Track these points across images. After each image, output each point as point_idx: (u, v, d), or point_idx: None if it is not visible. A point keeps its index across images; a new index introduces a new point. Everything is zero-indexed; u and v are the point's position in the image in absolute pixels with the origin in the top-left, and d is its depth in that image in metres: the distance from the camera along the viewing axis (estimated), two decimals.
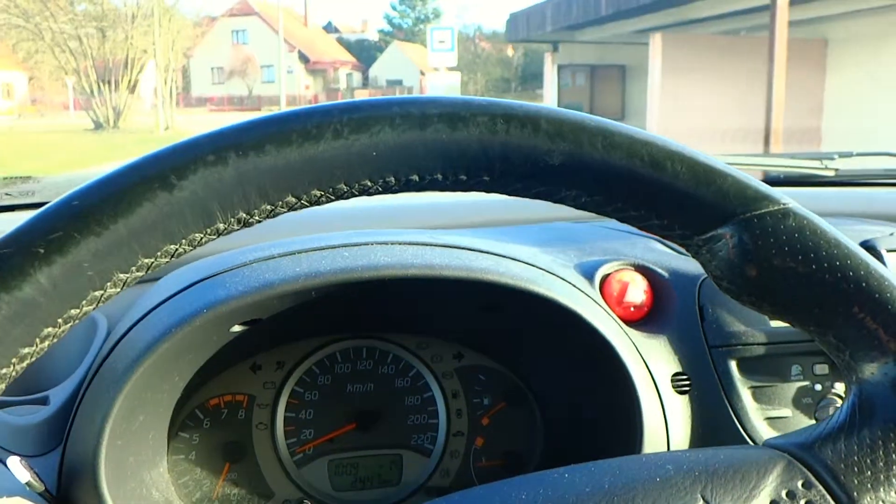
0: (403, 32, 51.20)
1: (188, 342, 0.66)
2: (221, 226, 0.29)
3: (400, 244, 0.74)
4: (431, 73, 12.38)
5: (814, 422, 0.79)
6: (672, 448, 0.75)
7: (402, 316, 0.83)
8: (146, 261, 0.28)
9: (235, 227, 0.30)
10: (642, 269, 0.83)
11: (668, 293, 0.81)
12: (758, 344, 0.79)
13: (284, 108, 33.00)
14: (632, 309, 0.80)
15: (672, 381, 0.77)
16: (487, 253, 0.75)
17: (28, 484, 0.58)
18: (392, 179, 0.31)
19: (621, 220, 0.35)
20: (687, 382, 0.77)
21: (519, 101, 0.32)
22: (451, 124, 0.30)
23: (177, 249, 0.29)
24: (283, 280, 0.66)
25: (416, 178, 0.31)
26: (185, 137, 0.29)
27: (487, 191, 0.33)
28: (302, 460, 0.82)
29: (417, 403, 0.85)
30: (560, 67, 16.45)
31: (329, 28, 51.09)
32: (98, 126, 21.54)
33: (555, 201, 0.34)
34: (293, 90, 37.88)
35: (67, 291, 0.27)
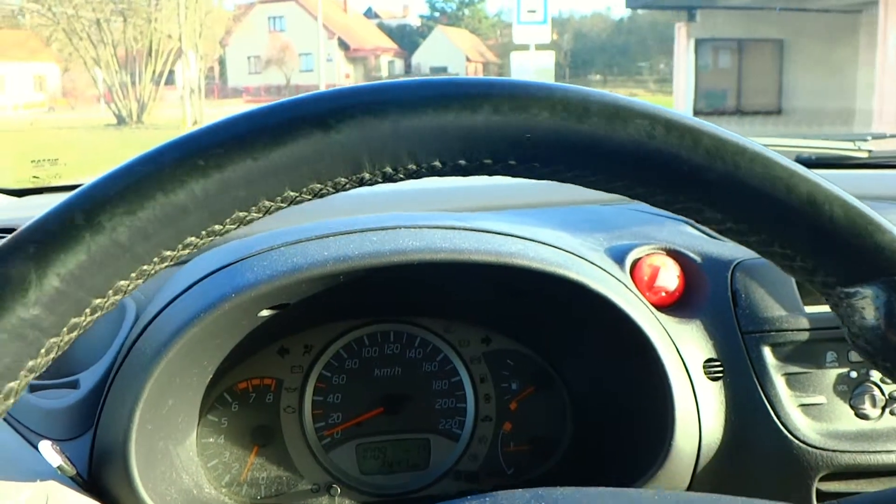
0: (447, 17, 51.34)
1: (217, 326, 0.72)
2: (367, 175, 0.31)
3: (428, 228, 0.79)
4: (517, 52, 10.97)
5: (849, 408, 0.82)
6: (704, 436, 0.78)
7: (430, 299, 0.88)
8: (292, 193, 0.31)
9: (379, 180, 0.32)
10: (674, 254, 0.86)
11: (701, 278, 0.85)
12: (793, 330, 0.82)
13: None
14: (663, 294, 0.84)
15: (704, 367, 0.80)
16: (516, 237, 0.80)
17: (60, 468, 0.63)
18: (537, 165, 0.32)
19: (760, 253, 0.35)
20: (720, 369, 0.81)
21: (679, 112, 0.33)
22: (609, 121, 0.31)
23: (321, 189, 0.31)
24: (312, 264, 0.71)
25: (562, 167, 0.32)
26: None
27: (630, 195, 0.34)
28: (330, 444, 0.87)
29: (445, 388, 0.90)
30: (698, 43, 12.82)
31: (369, 14, 51.43)
32: (121, 121, 20.91)
33: (697, 220, 0.34)
34: (333, 79, 38.12)
35: (216, 206, 0.29)
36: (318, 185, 0.31)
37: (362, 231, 0.78)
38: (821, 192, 0.32)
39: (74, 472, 0.65)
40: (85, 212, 0.29)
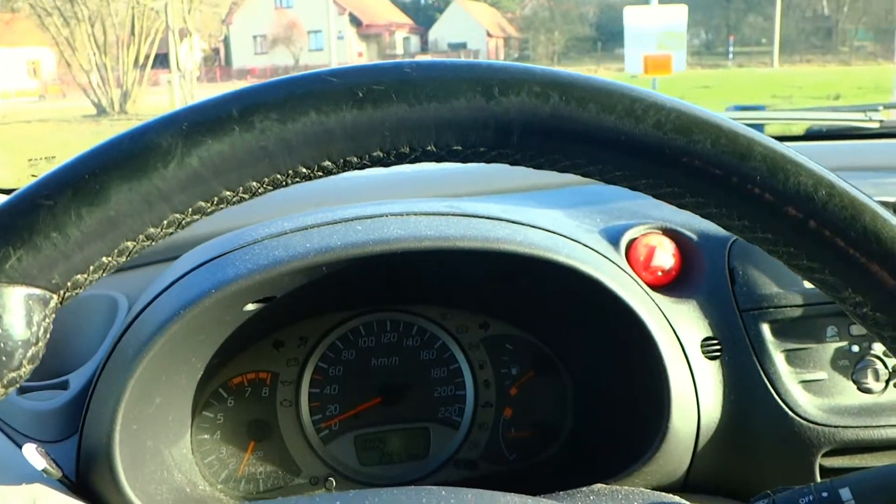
0: None
1: (200, 322, 0.76)
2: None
3: (414, 215, 0.84)
4: (634, 8, 9.21)
5: (851, 383, 0.87)
6: (703, 416, 0.83)
7: (425, 287, 0.93)
8: (433, 148, 0.34)
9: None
10: (670, 233, 0.92)
11: (697, 256, 0.90)
12: (791, 306, 0.87)
13: None
14: (659, 273, 0.89)
15: (702, 346, 0.85)
16: (506, 220, 0.85)
17: (45, 471, 0.67)
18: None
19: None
20: (717, 347, 0.86)
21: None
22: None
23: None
24: (293, 257, 0.75)
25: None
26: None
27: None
28: (328, 436, 0.93)
29: (444, 375, 0.96)
30: None
31: None
32: (101, 111, 19.51)
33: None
34: (344, 58, 37.92)
35: (359, 138, 0.33)
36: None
37: (347, 220, 0.82)
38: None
39: (60, 474, 0.69)
40: (241, 109, 0.32)
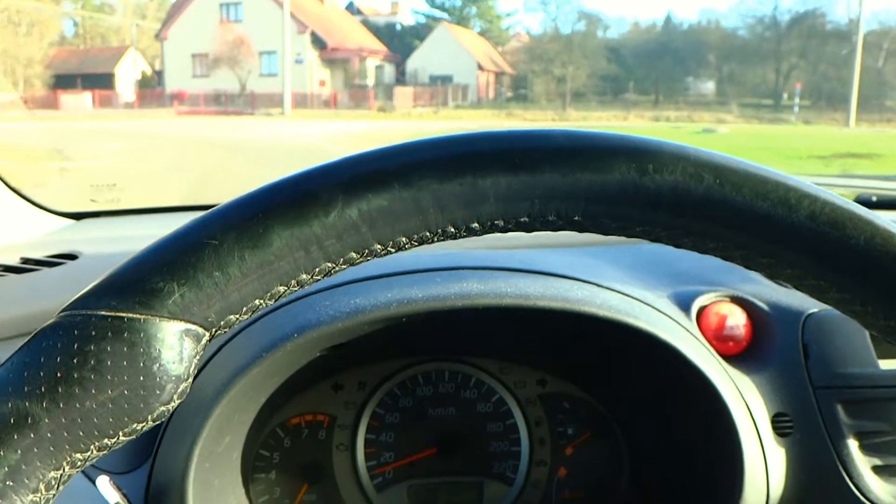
0: (449, 14, 51.91)
1: (276, 365, 0.91)
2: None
3: (492, 269, 1.00)
4: None
5: None
6: (772, 495, 0.97)
7: (487, 340, 1.09)
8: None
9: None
10: (741, 302, 1.07)
11: (769, 328, 1.05)
12: (868, 387, 1.01)
13: (289, 110, 32.83)
14: (730, 343, 1.04)
15: (773, 422, 0.99)
16: (582, 281, 1.00)
17: None
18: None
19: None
20: (789, 424, 0.99)
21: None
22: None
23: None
24: (375, 306, 0.90)
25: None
26: None
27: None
28: (381, 484, 1.09)
29: (499, 430, 1.12)
30: None
31: (351, 9, 51.52)
32: None
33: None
34: (302, 86, 37.85)
35: (511, 204, 0.40)
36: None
37: (425, 271, 0.98)
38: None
39: None
40: (400, 165, 0.39)
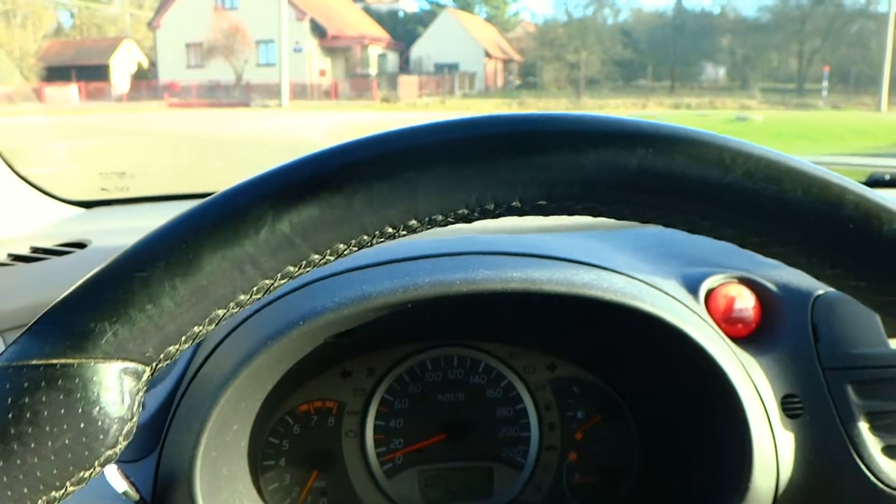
0: (453, 0, 51.82)
1: (281, 353, 0.95)
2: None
3: (499, 255, 1.04)
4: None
5: None
6: (782, 476, 1.01)
7: (496, 325, 1.14)
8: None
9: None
10: (749, 283, 1.12)
11: (778, 309, 1.10)
12: (878, 367, 1.05)
13: (287, 102, 32.78)
14: (739, 325, 1.09)
15: (782, 403, 1.03)
16: (589, 265, 1.04)
17: (125, 493, 0.83)
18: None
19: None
20: (799, 405, 1.03)
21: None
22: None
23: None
24: (381, 293, 0.94)
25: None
26: None
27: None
28: (391, 470, 1.14)
29: (509, 415, 1.17)
30: None
31: None
32: None
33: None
34: (301, 76, 37.72)
35: (427, 202, 0.40)
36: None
37: (430, 257, 1.03)
38: None
39: (138, 497, 0.85)
40: (329, 171, 0.39)
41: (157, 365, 0.39)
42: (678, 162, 0.40)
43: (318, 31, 40.42)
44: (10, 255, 1.25)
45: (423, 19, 50.30)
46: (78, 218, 1.58)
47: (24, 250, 1.27)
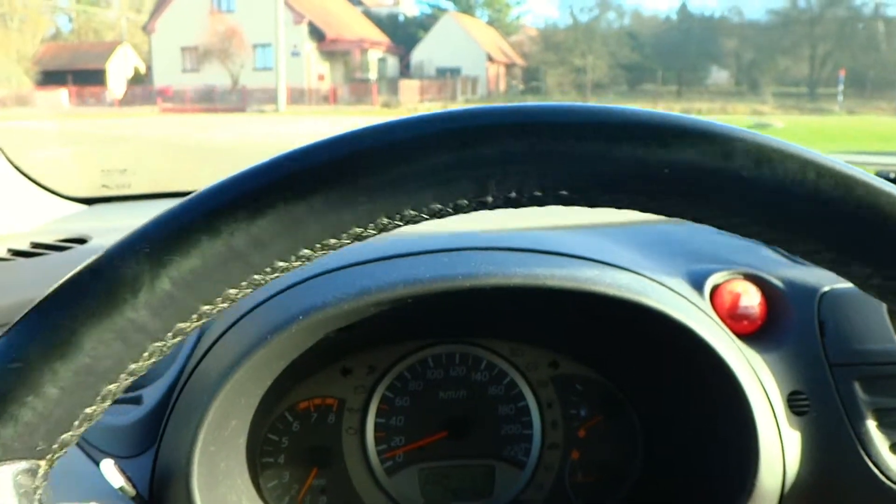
0: (454, 3, 51.75)
1: (281, 348, 0.96)
2: (490, 199, 0.41)
3: (500, 250, 1.05)
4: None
5: None
6: (788, 474, 1.02)
7: (498, 321, 1.16)
8: (411, 212, 0.40)
9: (500, 205, 0.42)
10: (755, 279, 1.13)
11: (784, 305, 1.11)
12: (885, 363, 1.06)
13: (283, 106, 32.87)
14: (744, 322, 1.11)
15: (788, 400, 1.05)
16: (592, 261, 1.05)
17: (121, 489, 0.84)
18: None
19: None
20: (805, 402, 1.05)
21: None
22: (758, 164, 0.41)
23: (441, 210, 0.41)
24: (381, 287, 0.95)
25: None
26: None
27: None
28: (392, 468, 1.16)
29: (511, 413, 1.19)
30: None
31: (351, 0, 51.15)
32: None
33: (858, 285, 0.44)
34: (299, 80, 37.51)
35: (334, 220, 0.39)
36: (439, 206, 0.40)
37: (432, 252, 1.04)
38: None
39: (135, 493, 0.86)
40: (204, 216, 0.37)
41: (53, 456, 0.36)
42: (623, 147, 0.40)
43: (316, 34, 40.29)
44: (9, 250, 1.27)
45: (424, 23, 50.18)
46: (80, 215, 1.59)
47: (25, 246, 1.29)
